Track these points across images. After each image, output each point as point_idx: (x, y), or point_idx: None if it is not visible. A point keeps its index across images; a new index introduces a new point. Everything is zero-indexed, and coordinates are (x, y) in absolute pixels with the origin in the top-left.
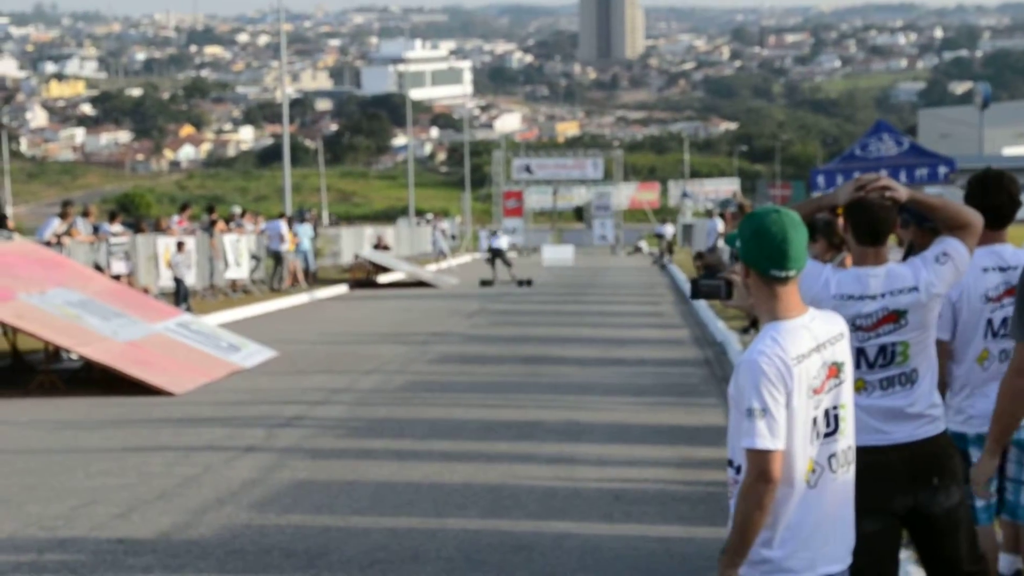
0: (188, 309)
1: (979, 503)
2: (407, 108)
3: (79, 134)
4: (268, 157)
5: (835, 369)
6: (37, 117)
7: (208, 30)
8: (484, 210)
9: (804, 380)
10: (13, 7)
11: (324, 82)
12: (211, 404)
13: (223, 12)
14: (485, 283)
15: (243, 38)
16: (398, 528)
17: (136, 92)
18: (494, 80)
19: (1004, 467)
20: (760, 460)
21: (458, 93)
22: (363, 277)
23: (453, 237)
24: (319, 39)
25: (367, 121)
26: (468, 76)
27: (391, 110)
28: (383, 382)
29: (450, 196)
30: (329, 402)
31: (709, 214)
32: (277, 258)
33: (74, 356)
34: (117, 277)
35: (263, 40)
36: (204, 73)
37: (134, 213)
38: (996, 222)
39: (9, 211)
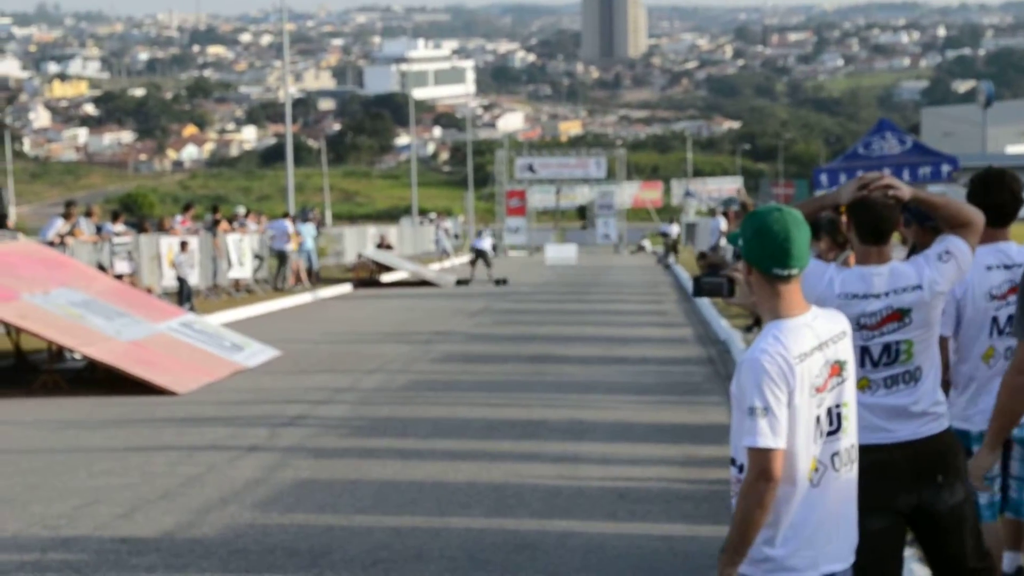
0: (191, 309)
1: (983, 500)
2: (410, 107)
3: (82, 134)
4: (271, 157)
5: (838, 367)
6: (40, 117)
7: (211, 30)
8: (487, 209)
9: (806, 379)
10: (16, 7)
11: (327, 82)
12: (214, 403)
13: (226, 12)
14: (461, 282)
15: (246, 38)
16: (401, 527)
17: (139, 92)
18: (497, 79)
19: (1008, 465)
20: (761, 459)
21: (461, 92)
22: (366, 276)
23: (456, 236)
24: (322, 39)
25: (370, 121)
26: (471, 75)
27: (394, 110)
28: (386, 381)
29: (453, 195)
30: (332, 401)
31: (712, 213)
32: (281, 257)
33: (77, 356)
34: (120, 277)
35: (266, 40)
36: (207, 73)
37: (137, 213)
38: (999, 220)
39: (12, 211)
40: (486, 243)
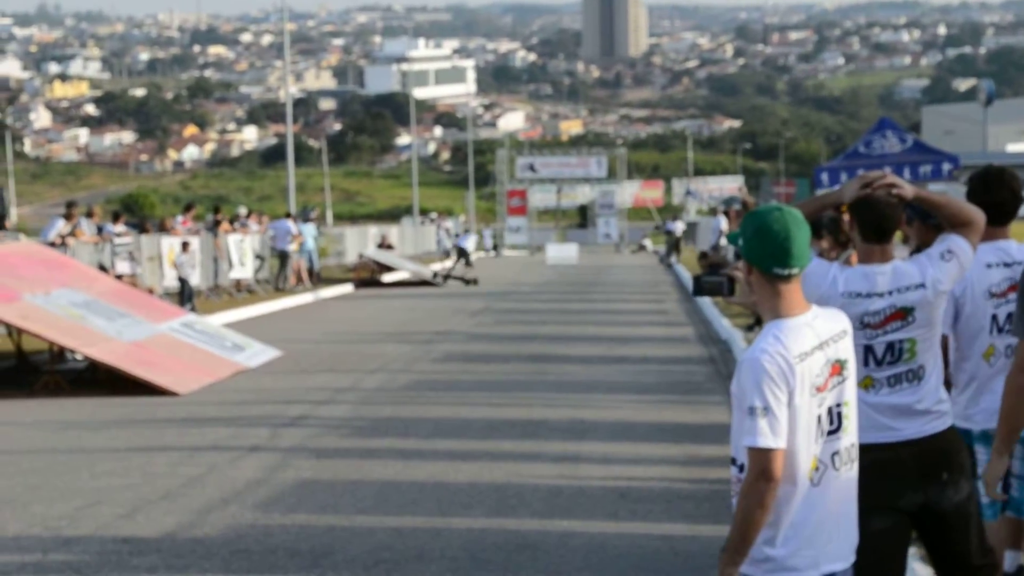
0: (192, 309)
1: (985, 500)
2: (411, 107)
3: (83, 134)
4: (272, 157)
5: (838, 367)
6: (41, 118)
7: (211, 30)
8: (488, 209)
9: (807, 378)
10: (16, 8)
11: (328, 81)
12: (215, 404)
13: (226, 12)
14: (470, 282)
15: (247, 38)
16: (403, 527)
17: (140, 92)
18: (498, 79)
19: (1009, 463)
20: (761, 458)
21: (462, 92)
22: (367, 276)
23: (457, 236)
24: (323, 38)
25: (371, 120)
26: (472, 75)
27: (395, 109)
28: (387, 381)
29: (454, 195)
30: (333, 401)
31: (713, 212)
32: (283, 257)
33: (79, 356)
34: (120, 277)
35: (267, 40)
36: (208, 73)
37: (138, 213)
38: (999, 218)
39: (13, 212)
40: (469, 243)
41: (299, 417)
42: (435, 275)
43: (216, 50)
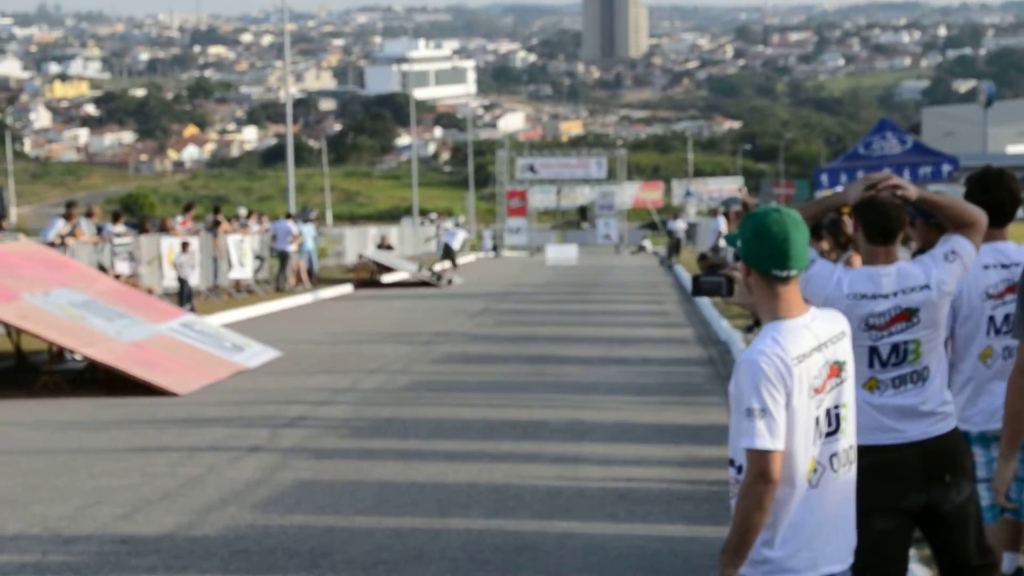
0: (192, 309)
1: (984, 501)
2: (411, 108)
3: (83, 135)
4: (272, 157)
5: (837, 368)
6: (41, 118)
7: (212, 30)
8: (488, 210)
9: (805, 380)
10: (17, 7)
11: (328, 82)
12: (215, 404)
13: (227, 12)
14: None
15: (247, 38)
16: (402, 528)
17: (140, 92)
18: (498, 79)
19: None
20: (759, 460)
21: (462, 93)
22: (367, 277)
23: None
24: (323, 39)
25: (371, 121)
26: (472, 75)
27: (395, 110)
28: (387, 382)
29: (454, 196)
30: (333, 402)
31: (713, 213)
32: (283, 258)
33: (78, 357)
34: (119, 277)
35: (267, 40)
36: (208, 73)
37: (138, 214)
38: (997, 220)
39: (13, 211)
40: (456, 240)
41: (298, 418)
42: (421, 269)
43: (216, 50)
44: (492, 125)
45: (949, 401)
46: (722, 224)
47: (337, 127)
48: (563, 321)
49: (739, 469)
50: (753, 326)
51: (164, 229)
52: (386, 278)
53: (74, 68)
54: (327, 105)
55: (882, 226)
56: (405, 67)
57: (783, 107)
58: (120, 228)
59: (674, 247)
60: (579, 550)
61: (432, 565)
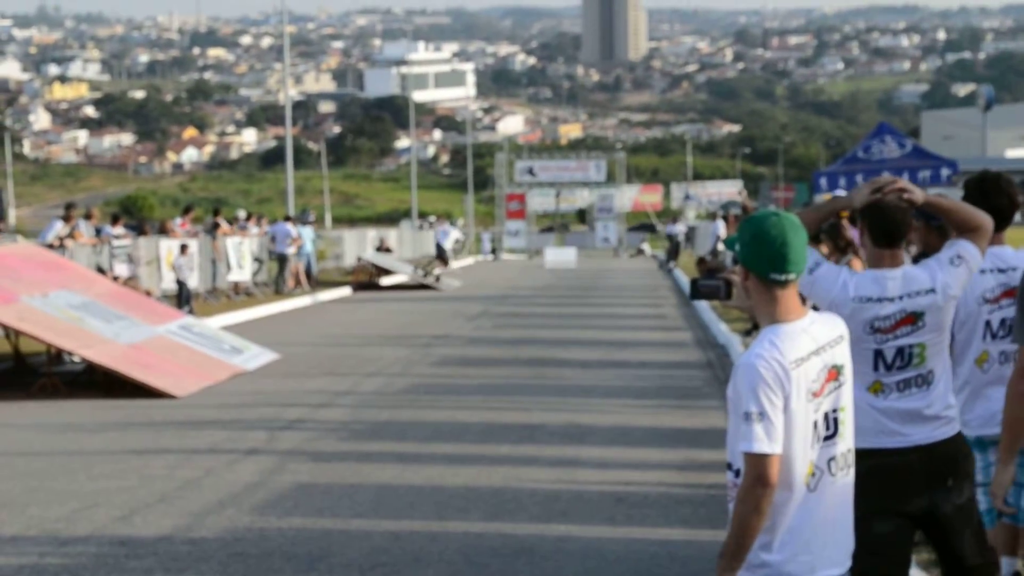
0: (190, 311)
1: (982, 505)
2: (410, 110)
3: (82, 136)
4: (271, 159)
5: (835, 372)
6: (40, 119)
7: (211, 32)
8: (487, 212)
9: (803, 383)
10: (16, 9)
11: (327, 84)
12: (213, 407)
13: (226, 14)
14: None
15: (246, 40)
16: (400, 531)
17: (139, 94)
18: (497, 82)
19: None
20: (757, 464)
21: (461, 95)
22: (365, 280)
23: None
24: (322, 41)
25: (370, 123)
26: (471, 78)
27: (394, 112)
28: (385, 385)
29: (453, 198)
30: (331, 405)
31: (712, 216)
32: (282, 260)
33: (76, 359)
34: (118, 279)
35: (266, 42)
36: (207, 75)
37: (137, 215)
38: (995, 224)
39: (12, 213)
40: (448, 240)
41: (296, 420)
42: (415, 269)
43: (216, 52)
44: (491, 128)
45: (953, 405)
46: (721, 228)
47: (336, 129)
48: (561, 324)
49: (737, 473)
50: (752, 330)
51: (163, 231)
52: (385, 281)
53: (73, 70)
54: (326, 107)
55: (888, 229)
56: (404, 70)
57: (782, 110)
58: (119, 230)
59: (673, 251)
60: (577, 553)
61: (430, 568)
